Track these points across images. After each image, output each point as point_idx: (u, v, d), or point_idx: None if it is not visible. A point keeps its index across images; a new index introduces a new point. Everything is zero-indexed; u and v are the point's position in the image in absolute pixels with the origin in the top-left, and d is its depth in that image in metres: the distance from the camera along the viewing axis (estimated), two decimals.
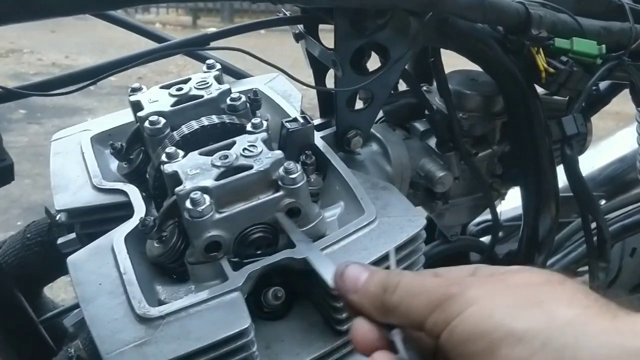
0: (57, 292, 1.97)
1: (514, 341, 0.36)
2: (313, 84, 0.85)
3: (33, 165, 3.36)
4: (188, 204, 0.60)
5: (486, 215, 1.08)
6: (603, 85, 1.23)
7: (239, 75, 0.94)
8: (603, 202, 1.59)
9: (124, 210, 0.72)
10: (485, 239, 1.20)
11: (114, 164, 0.80)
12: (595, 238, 0.92)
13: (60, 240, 0.76)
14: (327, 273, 0.52)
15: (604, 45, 0.78)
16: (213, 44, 0.75)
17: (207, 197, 0.61)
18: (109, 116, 0.87)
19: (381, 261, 0.65)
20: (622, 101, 1.16)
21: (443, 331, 0.40)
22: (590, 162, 1.69)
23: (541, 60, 0.76)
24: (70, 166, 0.79)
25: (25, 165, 3.46)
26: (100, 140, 0.82)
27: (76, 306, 0.82)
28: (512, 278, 0.41)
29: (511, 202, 1.07)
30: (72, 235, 0.76)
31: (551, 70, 0.77)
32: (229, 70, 0.94)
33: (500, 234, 1.40)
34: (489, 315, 0.38)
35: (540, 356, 0.35)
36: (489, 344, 0.37)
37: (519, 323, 0.37)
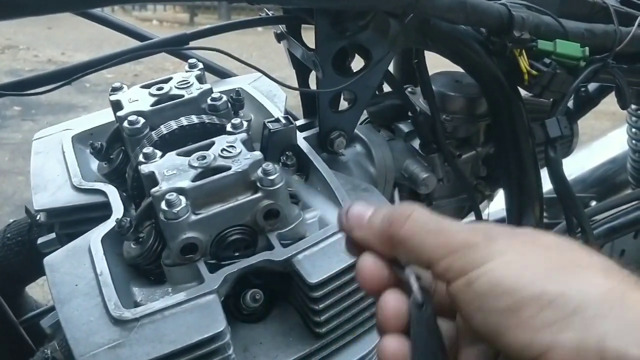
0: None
1: (544, 304, 0.34)
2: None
3: (27, 163, 3.31)
4: (163, 205, 0.60)
5: (474, 217, 1.08)
6: (592, 87, 1.23)
7: (223, 74, 0.94)
8: (594, 203, 1.59)
9: (104, 210, 0.71)
10: None
11: (94, 163, 0.80)
12: (579, 241, 0.92)
13: (40, 240, 0.75)
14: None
15: (587, 48, 0.77)
16: (193, 44, 0.75)
17: (183, 199, 0.61)
18: (91, 115, 0.86)
19: None
20: None
21: (458, 279, 0.37)
22: (582, 163, 1.69)
23: (524, 62, 0.76)
24: (51, 166, 0.79)
25: (19, 162, 3.45)
26: (82, 139, 0.82)
27: None
28: (543, 238, 0.38)
29: (500, 203, 1.07)
30: (52, 235, 0.75)
31: (534, 72, 0.76)
32: (213, 70, 0.93)
33: None
34: (518, 272, 0.35)
35: (568, 323, 0.33)
36: (515, 303, 0.34)
37: (552, 285, 0.34)
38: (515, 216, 0.91)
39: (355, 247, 0.43)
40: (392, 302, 0.40)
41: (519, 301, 0.34)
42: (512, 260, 0.36)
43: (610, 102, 1.21)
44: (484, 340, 0.37)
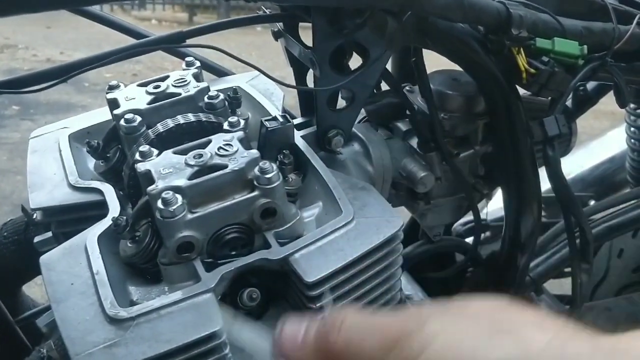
0: None
1: None
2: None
3: (25, 162, 3.33)
4: (159, 203, 0.60)
5: (472, 215, 1.07)
6: (590, 85, 1.23)
7: (220, 72, 0.93)
8: (592, 202, 1.59)
9: (101, 209, 0.71)
10: (472, 238, 1.20)
11: (91, 162, 0.80)
12: (578, 240, 0.91)
13: (36, 239, 0.75)
14: (265, 348, 0.45)
15: (585, 46, 0.77)
16: (190, 42, 0.74)
17: (179, 197, 0.60)
18: (88, 114, 0.86)
19: (357, 262, 0.65)
20: None
21: None
22: (581, 162, 1.70)
23: (522, 61, 0.76)
24: (47, 164, 0.78)
25: (17, 161, 3.45)
26: (79, 138, 0.82)
27: None
28: (470, 307, 0.38)
29: (499, 202, 1.07)
30: (48, 234, 0.75)
31: (532, 70, 0.76)
32: (210, 68, 0.93)
33: (488, 233, 1.40)
34: (457, 348, 0.35)
35: None
36: None
37: (492, 353, 0.34)
38: (514, 215, 0.91)
39: None
40: None
41: None
42: (449, 337, 0.36)
43: (609, 101, 1.21)
44: None
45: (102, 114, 0.84)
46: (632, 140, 1.37)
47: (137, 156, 0.65)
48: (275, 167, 0.64)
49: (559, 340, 0.34)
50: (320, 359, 0.40)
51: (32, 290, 1.07)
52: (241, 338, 0.48)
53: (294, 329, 0.42)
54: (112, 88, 0.78)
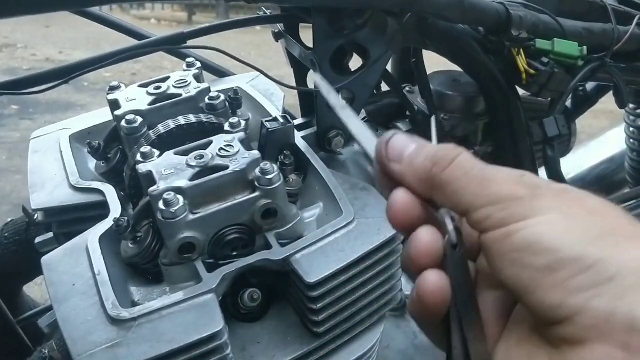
0: None
1: (582, 268, 0.33)
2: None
3: (24, 161, 3.31)
4: (161, 204, 0.60)
5: None
6: (590, 86, 1.23)
7: (221, 73, 0.94)
8: None
9: (102, 209, 0.71)
10: None
11: (92, 162, 0.80)
12: None
13: (37, 240, 0.75)
14: (369, 143, 0.44)
15: (585, 47, 0.77)
16: (190, 43, 0.74)
17: (180, 198, 0.60)
18: (89, 114, 0.86)
19: (358, 263, 0.65)
20: None
21: (495, 229, 0.36)
22: (580, 161, 1.70)
23: (522, 62, 0.76)
24: (48, 165, 0.78)
25: (16, 161, 3.45)
26: (79, 138, 0.82)
27: None
28: (590, 201, 0.37)
29: None
30: (50, 235, 0.75)
31: (532, 71, 0.76)
32: (211, 69, 0.93)
33: None
34: (560, 233, 0.34)
35: (603, 289, 0.32)
36: (552, 262, 0.34)
37: (592, 251, 0.33)
38: None
39: (388, 180, 0.41)
40: (427, 238, 0.39)
41: (556, 261, 0.34)
42: (555, 220, 0.35)
43: (608, 100, 1.21)
44: (510, 292, 0.36)
45: (102, 115, 0.84)
46: (632, 140, 1.37)
47: (139, 157, 0.66)
48: (276, 168, 0.64)
49: None
50: (419, 180, 0.40)
51: (32, 290, 1.07)
52: (351, 124, 0.46)
53: (404, 142, 0.41)
54: (113, 89, 0.78)
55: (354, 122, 0.46)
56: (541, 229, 0.35)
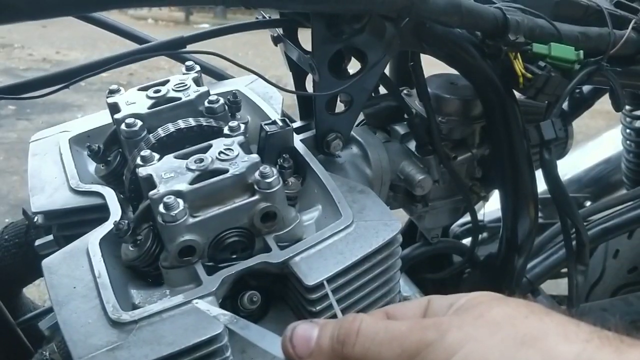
0: None
1: None
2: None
3: (21, 162, 3.35)
4: (161, 208, 0.60)
5: (469, 217, 1.08)
6: (586, 88, 1.24)
7: (220, 76, 0.94)
8: (589, 203, 1.60)
9: (102, 212, 0.71)
10: (469, 240, 1.20)
11: (92, 166, 0.80)
12: (574, 241, 0.92)
13: (37, 242, 0.75)
14: (274, 346, 0.45)
15: (581, 51, 0.78)
16: (190, 47, 0.75)
17: (180, 201, 0.61)
18: (88, 117, 0.86)
19: (356, 265, 0.66)
20: None
21: None
22: (577, 163, 1.71)
23: (519, 65, 0.76)
24: (48, 168, 0.79)
25: (13, 161, 3.45)
26: (79, 141, 0.82)
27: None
28: (491, 313, 0.37)
29: (496, 204, 1.08)
30: (50, 238, 0.75)
31: (529, 75, 0.77)
32: (210, 72, 0.93)
33: (485, 234, 1.41)
34: None
35: None
36: None
37: None
38: (511, 217, 0.92)
39: None
40: None
41: None
42: (473, 349, 0.35)
43: (605, 101, 1.22)
44: None
45: (102, 118, 0.84)
46: (628, 142, 1.38)
47: (139, 160, 0.66)
48: (275, 171, 0.65)
49: (587, 353, 0.33)
50: None
51: (29, 290, 1.07)
52: (248, 336, 0.48)
53: (306, 330, 0.42)
54: (112, 92, 0.79)
55: (253, 332, 0.47)
56: None
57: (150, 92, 0.77)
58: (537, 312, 0.37)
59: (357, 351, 0.39)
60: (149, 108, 0.75)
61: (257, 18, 0.79)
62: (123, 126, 0.72)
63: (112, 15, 0.94)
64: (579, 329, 0.35)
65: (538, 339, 0.34)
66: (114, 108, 0.76)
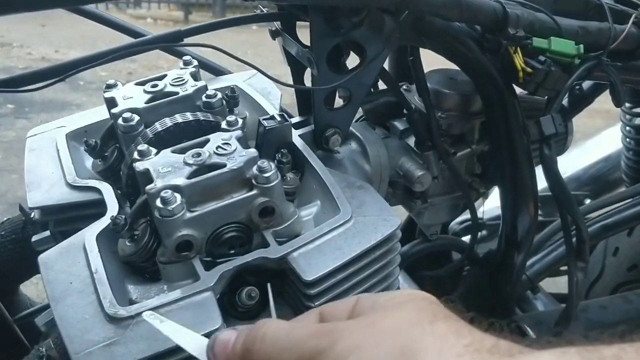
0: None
1: None
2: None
3: (20, 160, 3.31)
4: (158, 202, 0.60)
5: (469, 214, 1.08)
6: (586, 85, 1.23)
7: (218, 71, 0.94)
8: (588, 201, 1.60)
9: (98, 208, 0.71)
10: (469, 237, 1.20)
11: (89, 161, 0.80)
12: (574, 238, 0.92)
13: (34, 238, 0.75)
14: (199, 351, 0.47)
15: (581, 45, 0.78)
16: (187, 41, 0.74)
17: (178, 196, 0.60)
18: (85, 113, 0.86)
19: (355, 261, 0.65)
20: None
21: None
22: (576, 161, 1.70)
23: (518, 60, 0.76)
24: (45, 163, 0.78)
25: (12, 160, 3.44)
26: (76, 137, 0.82)
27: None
28: (382, 321, 0.39)
29: (495, 200, 1.07)
30: (46, 233, 0.75)
31: (529, 69, 0.76)
32: (208, 67, 0.93)
33: (484, 232, 1.40)
34: None
35: None
36: None
37: None
38: (510, 214, 0.91)
39: None
40: None
41: None
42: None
43: (604, 100, 1.22)
44: None
45: (99, 113, 0.84)
46: (627, 139, 1.37)
47: (136, 155, 0.66)
48: (273, 166, 0.64)
49: None
50: None
51: (28, 288, 1.07)
52: (176, 340, 0.49)
53: (226, 338, 0.44)
54: (109, 87, 0.78)
55: (184, 336, 0.49)
56: None
57: (148, 87, 0.76)
58: (424, 322, 0.38)
59: (261, 357, 0.40)
60: (146, 102, 0.74)
61: (255, 12, 0.79)
62: (120, 121, 0.71)
63: (111, 14, 0.94)
64: (457, 341, 0.36)
65: (414, 353, 0.36)
66: (111, 103, 0.76)
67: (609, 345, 0.34)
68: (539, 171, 0.87)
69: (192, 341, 0.48)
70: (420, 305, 0.40)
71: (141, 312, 0.58)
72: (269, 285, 0.57)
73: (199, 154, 0.65)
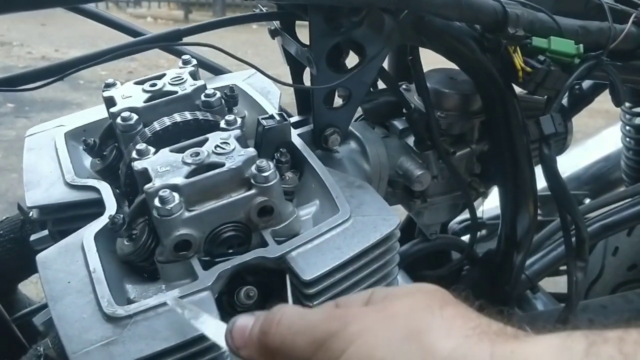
0: None
1: None
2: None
3: (20, 160, 3.30)
4: (157, 202, 0.60)
5: (468, 214, 1.07)
6: (586, 84, 1.23)
7: (217, 71, 0.93)
8: (588, 200, 1.59)
9: (97, 207, 0.71)
10: (468, 237, 1.20)
11: (87, 160, 0.80)
12: (573, 238, 0.92)
13: (32, 237, 0.75)
14: (220, 337, 0.48)
15: (581, 45, 0.77)
16: (186, 40, 0.74)
17: (176, 195, 0.60)
18: (84, 112, 0.86)
19: (354, 261, 0.65)
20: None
21: None
22: (576, 160, 1.70)
23: (518, 59, 0.76)
24: (43, 162, 0.78)
25: (12, 159, 3.44)
26: (75, 136, 0.82)
27: None
28: (393, 306, 0.40)
29: (495, 200, 1.07)
30: (45, 232, 0.75)
31: (528, 69, 0.76)
32: (207, 66, 0.93)
33: (484, 232, 1.40)
34: (370, 353, 0.37)
35: None
36: None
37: (400, 358, 0.36)
38: (510, 213, 0.91)
39: None
40: None
41: None
42: (366, 341, 0.38)
43: (603, 100, 1.22)
44: None
45: (98, 112, 0.84)
46: (627, 139, 1.37)
47: (134, 154, 0.65)
48: (272, 165, 0.64)
49: (462, 349, 0.35)
50: (261, 353, 0.43)
51: (27, 288, 1.07)
52: (196, 324, 0.51)
53: (244, 323, 0.45)
54: (108, 86, 0.78)
55: (205, 321, 0.51)
56: (357, 356, 0.37)
57: (147, 86, 0.76)
58: (433, 307, 0.39)
59: (277, 340, 0.41)
60: (145, 102, 0.74)
61: (254, 11, 0.79)
62: (119, 120, 0.71)
63: (111, 14, 0.94)
64: (465, 324, 0.37)
65: (422, 334, 0.37)
66: (109, 102, 0.76)
67: (613, 330, 0.35)
68: (539, 171, 0.87)
69: (212, 326, 0.50)
70: (430, 294, 0.41)
71: (139, 312, 0.58)
72: (287, 276, 0.59)
73: (197, 153, 0.64)
